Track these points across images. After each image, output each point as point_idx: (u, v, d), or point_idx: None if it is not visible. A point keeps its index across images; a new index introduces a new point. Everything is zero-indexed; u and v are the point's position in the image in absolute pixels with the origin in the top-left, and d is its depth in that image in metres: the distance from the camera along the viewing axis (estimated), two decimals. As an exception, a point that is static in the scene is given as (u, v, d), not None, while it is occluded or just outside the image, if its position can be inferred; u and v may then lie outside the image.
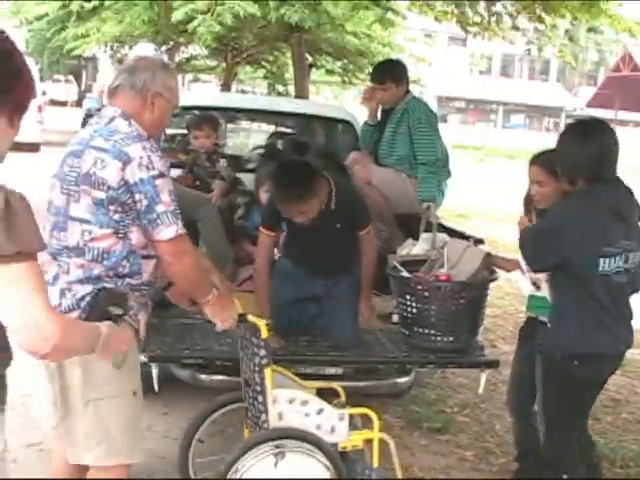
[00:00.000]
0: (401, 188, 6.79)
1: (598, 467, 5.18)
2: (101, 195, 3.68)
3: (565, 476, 4.84)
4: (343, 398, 4.96)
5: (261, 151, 9.04)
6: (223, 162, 7.03)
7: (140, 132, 3.83)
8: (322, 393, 4.85)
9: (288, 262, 5.57)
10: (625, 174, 4.73)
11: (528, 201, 5.27)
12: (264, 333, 4.39)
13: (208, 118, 7.24)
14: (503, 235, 15.25)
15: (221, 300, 4.14)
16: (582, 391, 4.80)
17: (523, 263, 5.07)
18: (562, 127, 56.65)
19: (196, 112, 8.20)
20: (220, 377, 5.37)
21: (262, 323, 4.41)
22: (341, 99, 38.42)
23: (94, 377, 3.77)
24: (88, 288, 3.73)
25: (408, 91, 7.00)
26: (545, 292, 4.96)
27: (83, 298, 3.73)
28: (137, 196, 3.70)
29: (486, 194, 22.38)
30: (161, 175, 3.75)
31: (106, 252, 3.75)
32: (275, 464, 4.41)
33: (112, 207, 3.71)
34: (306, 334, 5.42)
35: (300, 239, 5.44)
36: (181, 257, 3.84)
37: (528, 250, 4.79)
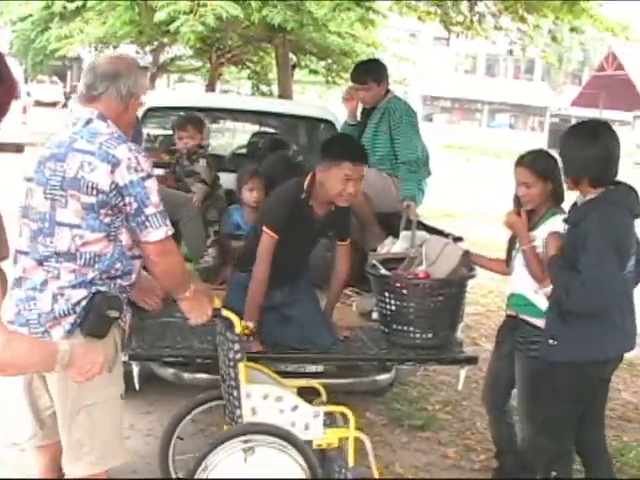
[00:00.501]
0: (382, 187, 6.80)
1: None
2: (91, 200, 3.68)
3: (554, 473, 4.89)
4: (324, 397, 4.99)
5: (243, 151, 9.05)
6: (202, 162, 6.95)
7: (119, 133, 3.84)
8: (303, 392, 4.86)
9: (245, 275, 5.27)
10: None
11: (517, 202, 5.25)
12: (238, 328, 4.42)
13: (193, 119, 7.21)
14: (490, 235, 15.27)
15: (197, 296, 4.15)
16: (594, 391, 4.89)
17: (533, 282, 5.05)
18: (547, 126, 56.92)
19: (180, 112, 8.23)
20: (203, 375, 5.38)
21: (236, 318, 4.44)
22: (325, 99, 38.39)
23: (85, 383, 3.76)
24: (82, 292, 3.74)
25: (389, 90, 7.01)
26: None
27: (78, 303, 3.73)
28: (127, 199, 3.71)
29: (473, 194, 22.41)
30: (149, 176, 3.77)
31: (98, 256, 3.75)
32: (244, 459, 4.43)
33: (103, 211, 3.71)
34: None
35: (287, 247, 5.22)
36: (167, 257, 3.87)
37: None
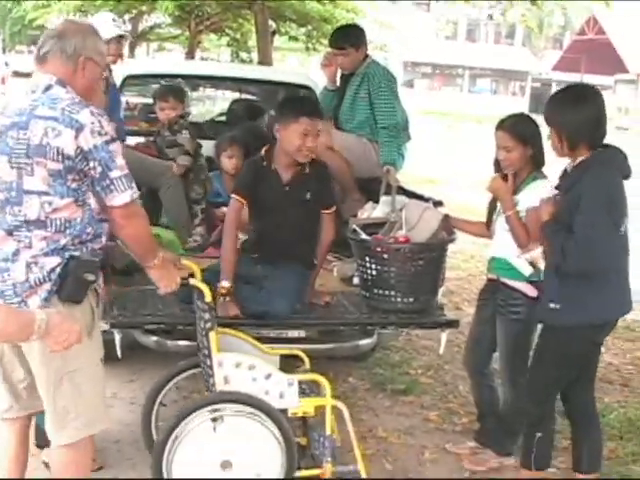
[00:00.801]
0: (362, 153, 6.80)
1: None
2: (58, 166, 3.65)
3: (539, 434, 4.95)
4: (307, 365, 5.00)
5: (222, 118, 9.02)
6: (185, 133, 6.79)
7: (80, 98, 3.79)
8: (287, 360, 4.89)
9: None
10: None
11: (496, 167, 5.29)
12: (207, 297, 4.42)
13: (174, 89, 7.07)
14: (471, 200, 15.27)
15: (165, 264, 4.15)
16: (588, 355, 4.95)
17: (515, 247, 5.09)
18: (528, 91, 56.90)
19: (159, 80, 8.19)
20: (185, 342, 5.38)
21: (205, 286, 4.44)
22: (306, 66, 38.25)
23: (68, 351, 3.70)
24: (56, 259, 3.72)
25: (367, 55, 6.98)
26: (542, 267, 5.02)
27: (53, 270, 3.71)
28: (92, 163, 3.69)
29: (454, 159, 22.40)
30: (113, 139, 3.75)
31: (69, 221, 3.73)
32: (214, 429, 4.44)
33: (70, 176, 3.68)
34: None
35: (264, 217, 5.35)
36: (133, 220, 3.85)
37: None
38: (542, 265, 5.01)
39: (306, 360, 4.95)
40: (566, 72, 48.36)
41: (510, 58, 65.67)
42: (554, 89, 57.69)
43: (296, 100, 5.72)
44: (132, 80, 8.23)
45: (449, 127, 37.30)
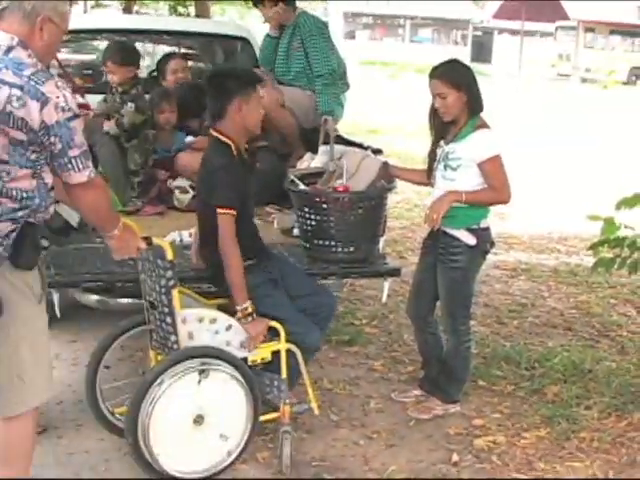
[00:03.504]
0: (309, 105, 6.76)
1: None
2: (21, 136, 3.53)
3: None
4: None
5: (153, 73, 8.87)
6: (130, 106, 6.41)
7: (42, 66, 3.66)
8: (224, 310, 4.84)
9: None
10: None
11: (433, 116, 5.27)
12: (170, 255, 4.36)
13: (125, 49, 6.60)
14: (415, 149, 15.28)
15: (125, 233, 4.06)
16: None
17: None
18: (470, 39, 56.89)
19: (93, 36, 8.03)
20: (127, 300, 5.34)
21: (167, 244, 4.39)
22: (247, 19, 37.92)
23: (20, 319, 3.70)
24: (10, 225, 3.61)
25: (296, 8, 6.92)
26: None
27: (7, 235, 3.60)
28: (52, 139, 3.57)
29: (397, 109, 22.36)
30: (75, 116, 3.63)
31: (24, 191, 3.61)
32: (199, 382, 4.44)
33: (31, 148, 3.57)
34: None
35: (247, 215, 4.95)
36: (90, 191, 3.73)
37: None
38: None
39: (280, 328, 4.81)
40: (507, 20, 48.27)
41: (451, 7, 65.56)
42: (495, 37, 57.91)
43: (238, 70, 5.33)
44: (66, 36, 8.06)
45: (391, 76, 37.24)
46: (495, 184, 5.03)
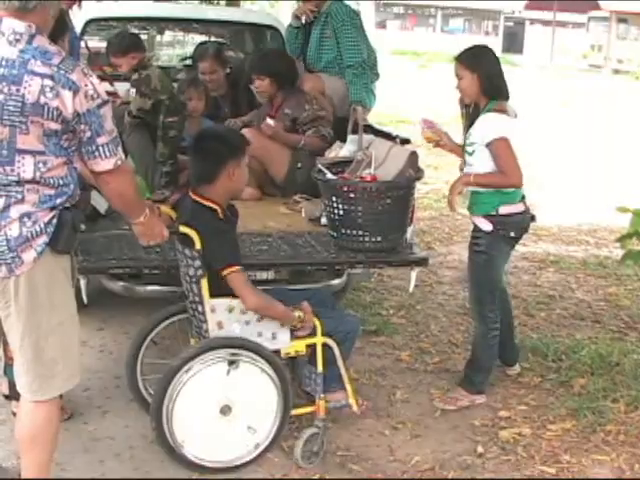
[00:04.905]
0: (343, 94, 6.80)
1: None
2: (56, 126, 3.55)
3: None
4: None
5: (188, 62, 8.88)
6: (132, 92, 6.44)
7: (66, 53, 3.68)
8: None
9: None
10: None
11: (463, 103, 5.41)
12: (197, 244, 4.36)
13: (124, 41, 6.49)
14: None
15: (151, 220, 4.07)
16: None
17: None
18: (501, 30, 56.68)
19: (123, 24, 8.04)
20: (155, 287, 5.38)
21: (194, 233, 4.36)
22: (277, 8, 37.92)
23: (53, 303, 3.74)
24: (50, 213, 3.65)
25: None
26: None
27: (50, 222, 3.65)
28: (83, 126, 3.60)
29: (428, 99, 22.26)
30: (104, 103, 3.65)
31: (60, 178, 3.66)
32: (228, 372, 4.45)
33: (65, 136, 3.61)
34: None
35: None
36: (117, 177, 3.75)
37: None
38: None
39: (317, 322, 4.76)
40: (539, 10, 48.07)
41: (483, -3, 65.40)
42: (527, 27, 57.59)
43: (236, 133, 5.24)
44: (94, 24, 8.08)
45: (421, 66, 37.13)
46: (502, 166, 5.09)
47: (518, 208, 5.27)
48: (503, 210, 5.19)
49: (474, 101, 5.25)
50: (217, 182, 4.47)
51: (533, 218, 5.41)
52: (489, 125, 5.10)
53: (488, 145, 5.08)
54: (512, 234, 5.28)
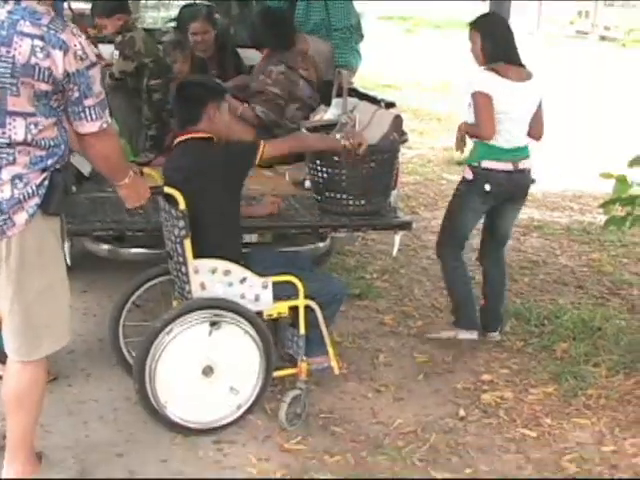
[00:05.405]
0: (329, 57, 6.77)
1: None
2: (46, 87, 3.53)
3: None
4: None
5: (174, 24, 8.82)
6: (115, 54, 6.46)
7: (54, 13, 3.65)
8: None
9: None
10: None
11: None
12: (182, 205, 4.36)
13: (112, 4, 6.52)
14: (430, 105, 15.23)
15: (135, 181, 4.05)
16: None
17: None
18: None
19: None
20: (138, 250, 5.37)
21: (178, 194, 4.36)
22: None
23: (44, 263, 3.74)
24: (41, 174, 3.64)
25: None
26: None
27: (41, 184, 3.63)
28: (71, 86, 3.58)
29: (414, 65, 22.20)
30: (93, 65, 3.62)
31: (51, 140, 3.65)
32: (210, 332, 4.46)
33: (54, 97, 3.59)
34: None
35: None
36: (101, 140, 3.73)
37: None
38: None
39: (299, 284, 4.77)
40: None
41: (470, -38, 65.11)
42: (514, -7, 57.47)
43: (214, 81, 5.36)
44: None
45: (408, 31, 36.97)
46: (476, 117, 5.40)
47: (504, 166, 5.45)
48: (485, 164, 5.43)
49: (485, 65, 5.45)
50: (200, 124, 4.66)
51: (532, 181, 5.70)
52: (474, 79, 5.39)
53: (472, 97, 5.35)
54: (487, 188, 5.44)
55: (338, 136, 4.98)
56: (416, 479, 4.35)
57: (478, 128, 5.39)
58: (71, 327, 4.06)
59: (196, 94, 4.74)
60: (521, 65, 5.49)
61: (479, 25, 5.50)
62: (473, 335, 5.75)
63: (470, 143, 5.59)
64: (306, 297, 4.69)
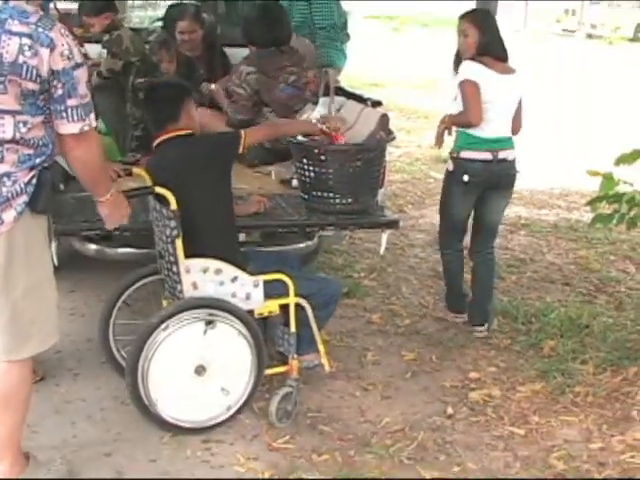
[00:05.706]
0: (312, 57, 6.73)
1: None
2: (33, 86, 3.52)
3: None
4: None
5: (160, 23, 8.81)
6: (103, 53, 6.47)
7: (42, 12, 3.65)
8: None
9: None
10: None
11: (457, 63, 5.72)
12: (173, 204, 4.36)
13: (100, 3, 6.50)
14: (417, 103, 15.22)
15: (117, 200, 4.03)
16: None
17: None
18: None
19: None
20: (126, 250, 5.35)
21: (170, 194, 4.36)
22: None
23: (31, 262, 3.72)
24: (29, 173, 3.63)
25: None
26: None
27: (29, 182, 3.63)
28: (56, 83, 3.56)
29: (401, 63, 22.20)
30: (79, 65, 3.61)
31: (40, 139, 3.64)
32: (204, 332, 4.46)
33: (41, 96, 3.58)
34: None
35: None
36: (82, 143, 3.70)
37: None
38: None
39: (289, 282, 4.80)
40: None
41: (457, -39, 65.12)
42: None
43: (179, 81, 5.51)
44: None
45: (394, 30, 36.98)
46: (464, 104, 5.54)
47: (481, 155, 5.61)
48: (464, 154, 5.62)
49: (474, 57, 5.57)
50: (180, 120, 4.71)
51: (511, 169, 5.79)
52: (461, 69, 5.53)
53: (459, 86, 5.50)
54: (465, 178, 5.61)
55: (314, 120, 5.02)
56: (404, 478, 4.35)
57: (465, 115, 5.52)
58: (59, 327, 4.05)
59: (171, 94, 4.81)
60: (506, 61, 5.64)
61: (477, 18, 5.65)
62: (456, 318, 6.12)
63: (449, 139, 5.74)
64: (296, 295, 4.70)
